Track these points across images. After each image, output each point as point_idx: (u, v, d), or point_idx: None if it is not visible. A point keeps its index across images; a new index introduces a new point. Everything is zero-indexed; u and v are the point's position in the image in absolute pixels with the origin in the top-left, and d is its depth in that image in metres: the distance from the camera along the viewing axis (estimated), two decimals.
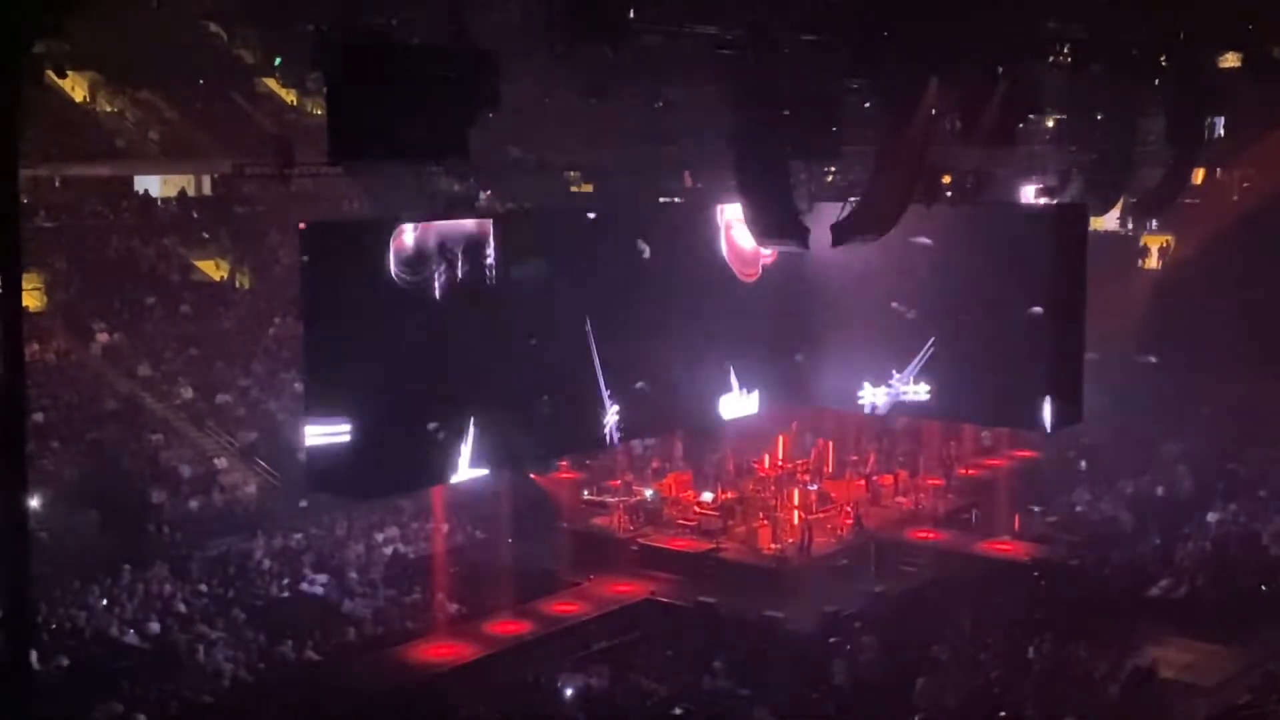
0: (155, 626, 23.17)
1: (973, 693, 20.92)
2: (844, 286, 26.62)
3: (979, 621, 23.50)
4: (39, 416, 28.52)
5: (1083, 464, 33.08)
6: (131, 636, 22.90)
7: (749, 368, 26.93)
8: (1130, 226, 40.80)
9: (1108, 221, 37.68)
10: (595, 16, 15.42)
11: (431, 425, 20.82)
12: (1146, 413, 33.05)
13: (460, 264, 21.04)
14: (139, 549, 26.18)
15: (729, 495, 29.41)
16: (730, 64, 18.79)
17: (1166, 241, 41.04)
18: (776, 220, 20.32)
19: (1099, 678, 21.52)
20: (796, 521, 28.31)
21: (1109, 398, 29.96)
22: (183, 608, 24.00)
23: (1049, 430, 26.36)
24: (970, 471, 33.03)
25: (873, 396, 27.08)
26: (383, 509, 28.48)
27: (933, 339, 26.13)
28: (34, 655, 19.48)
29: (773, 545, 27.85)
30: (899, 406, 27.13)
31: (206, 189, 40.31)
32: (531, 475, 29.51)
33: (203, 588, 24.94)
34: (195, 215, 38.82)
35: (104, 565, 25.09)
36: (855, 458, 32.41)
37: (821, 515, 29.05)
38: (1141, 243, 41.47)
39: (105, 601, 23.86)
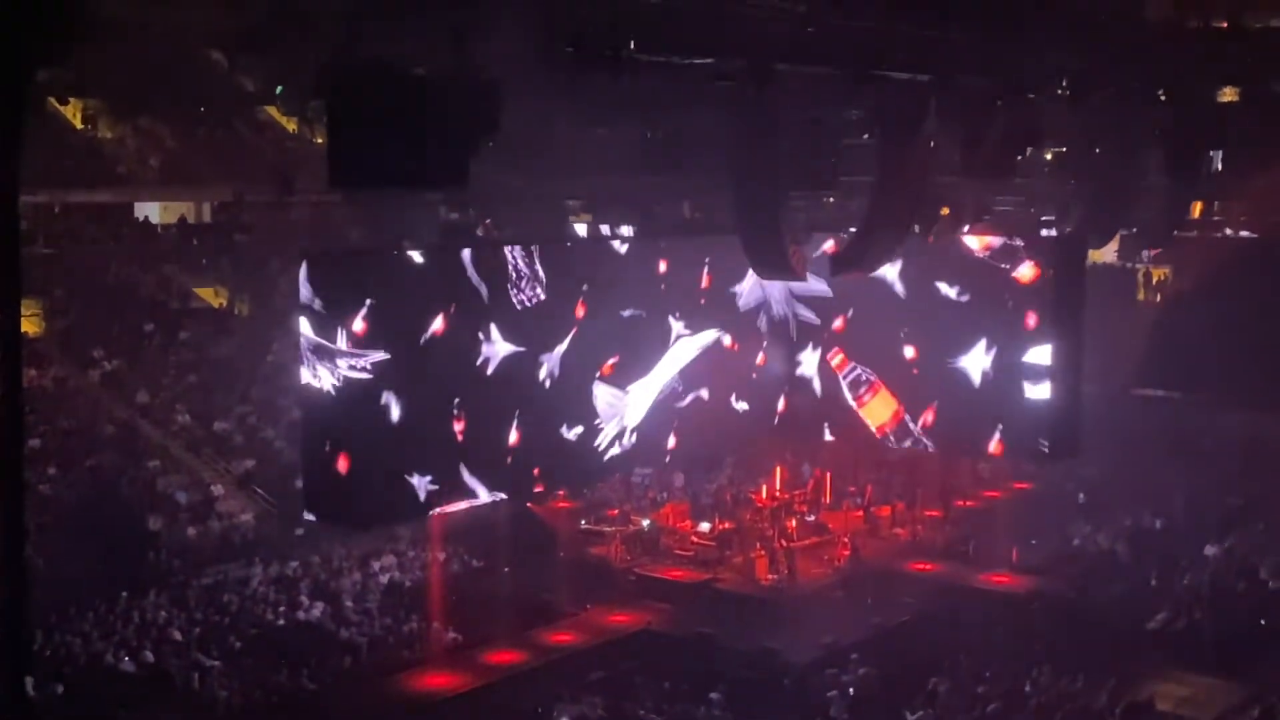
0: (150, 654, 23.09)
1: None
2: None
3: (976, 654, 23.47)
4: (36, 443, 28.49)
5: (1081, 496, 33.06)
6: (127, 664, 22.81)
7: None
8: (1129, 259, 40.87)
9: (1106, 254, 37.79)
10: (595, 48, 15.47)
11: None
12: (1145, 445, 33.04)
13: None
14: (135, 576, 26.13)
15: (726, 525, 29.35)
16: (729, 95, 18.85)
17: (1165, 274, 41.09)
18: (772, 252, 20.36)
19: (1097, 710, 21.48)
20: (780, 551, 28.24)
21: (1107, 430, 29.95)
22: (178, 635, 23.92)
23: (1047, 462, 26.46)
24: (968, 503, 32.98)
25: None
26: (380, 537, 28.44)
27: None
28: (30, 682, 19.49)
29: (770, 576, 27.80)
30: None
31: (206, 216, 40.37)
32: (529, 504, 29.49)
33: (199, 615, 24.88)
34: (195, 242, 38.87)
35: (100, 592, 25.04)
36: (853, 489, 32.38)
37: (811, 545, 29.03)
38: (1140, 275, 41.54)
39: (101, 629, 23.78)
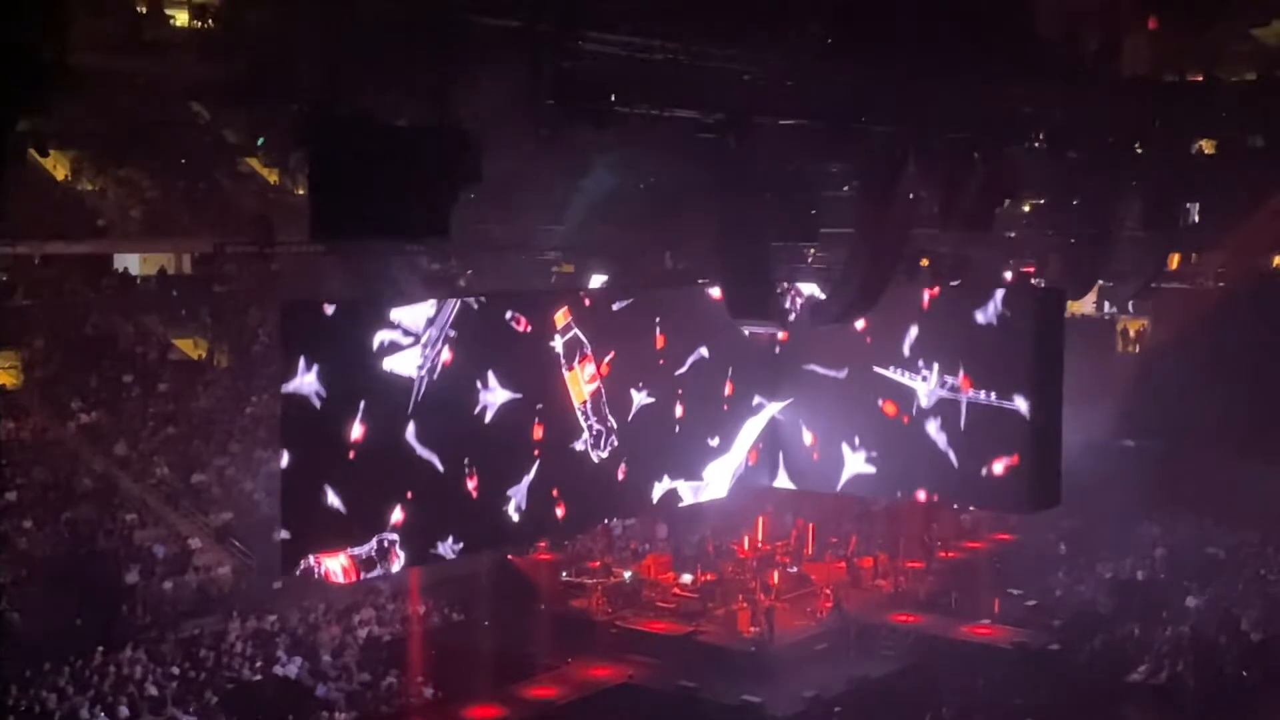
0: (125, 710, 22.83)
1: None
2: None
3: (959, 706, 23.35)
4: (13, 495, 28.28)
5: (1062, 547, 33.06)
6: (103, 719, 22.56)
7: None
8: (1107, 310, 41.12)
9: (1085, 305, 38.00)
10: (579, 101, 15.56)
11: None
12: (1125, 496, 33.10)
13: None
14: (112, 630, 25.86)
15: (708, 577, 29.24)
16: (711, 147, 18.96)
17: (1143, 325, 41.32)
18: (755, 301, 20.41)
19: None
20: (762, 605, 28.10)
21: (1087, 481, 29.98)
22: (154, 690, 23.67)
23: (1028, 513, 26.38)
24: (950, 554, 32.95)
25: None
26: (359, 590, 28.23)
27: None
28: None
29: (752, 628, 27.67)
30: None
31: (187, 267, 40.27)
32: (510, 556, 29.34)
33: (175, 670, 24.63)
34: (175, 293, 38.75)
35: (76, 646, 24.77)
36: (835, 540, 32.32)
37: (792, 599, 28.92)
38: (1118, 326, 41.76)
39: (77, 683, 23.52)
